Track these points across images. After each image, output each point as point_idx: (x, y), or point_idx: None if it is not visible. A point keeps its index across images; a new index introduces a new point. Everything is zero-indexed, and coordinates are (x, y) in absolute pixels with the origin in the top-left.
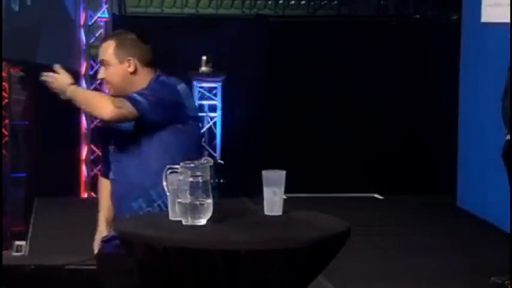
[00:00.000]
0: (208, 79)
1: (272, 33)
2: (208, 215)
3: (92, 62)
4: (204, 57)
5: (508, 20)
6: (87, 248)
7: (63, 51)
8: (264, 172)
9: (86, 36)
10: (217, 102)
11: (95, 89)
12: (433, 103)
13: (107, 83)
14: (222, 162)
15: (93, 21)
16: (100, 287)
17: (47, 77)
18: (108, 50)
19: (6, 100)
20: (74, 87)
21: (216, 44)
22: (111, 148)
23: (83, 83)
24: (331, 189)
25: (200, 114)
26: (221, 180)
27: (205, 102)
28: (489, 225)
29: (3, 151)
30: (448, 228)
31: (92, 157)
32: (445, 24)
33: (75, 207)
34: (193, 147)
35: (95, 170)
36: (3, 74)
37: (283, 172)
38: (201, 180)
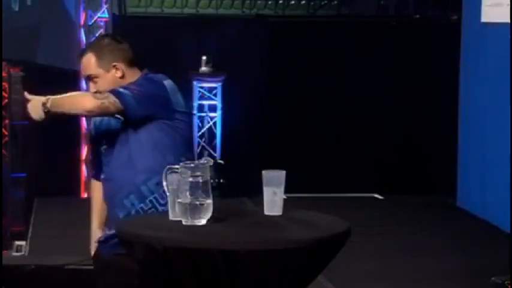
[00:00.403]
0: (208, 79)
1: (272, 33)
2: (208, 215)
3: None
4: (204, 57)
5: (508, 20)
6: (87, 248)
7: (63, 51)
8: (264, 172)
9: (86, 36)
10: (217, 102)
11: None
12: (433, 103)
13: (100, 93)
14: (222, 162)
15: (93, 21)
16: (99, 287)
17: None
18: (90, 63)
19: (6, 100)
20: (51, 97)
21: (216, 44)
22: (103, 149)
23: (83, 83)
24: (331, 189)
25: (200, 114)
26: (221, 180)
27: (205, 102)
28: (489, 225)
29: (3, 151)
30: (448, 228)
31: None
32: (445, 24)
33: (75, 207)
34: (183, 143)
35: None
36: (3, 74)
37: (283, 172)
38: (201, 180)
